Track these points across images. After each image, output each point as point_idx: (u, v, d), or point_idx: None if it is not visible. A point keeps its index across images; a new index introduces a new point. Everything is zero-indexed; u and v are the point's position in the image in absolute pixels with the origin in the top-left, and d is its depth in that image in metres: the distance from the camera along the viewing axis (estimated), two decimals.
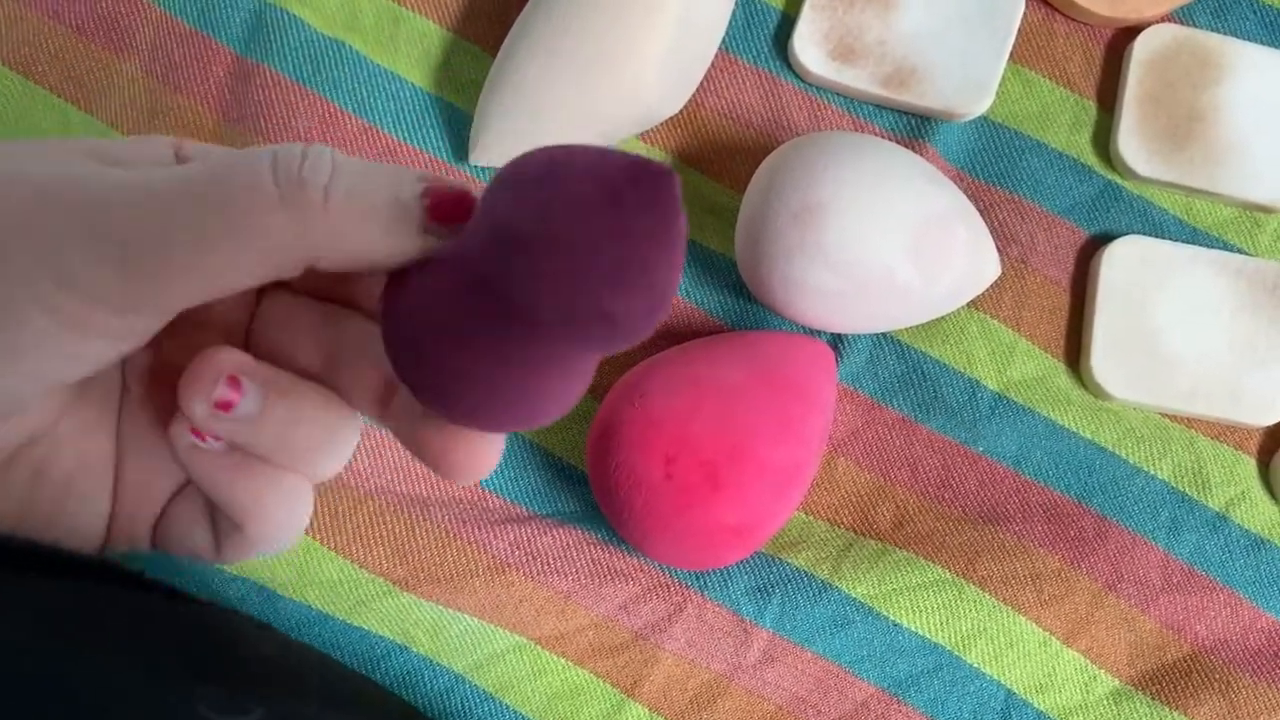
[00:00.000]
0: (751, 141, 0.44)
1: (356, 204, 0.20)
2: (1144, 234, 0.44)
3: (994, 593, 0.41)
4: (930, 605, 0.40)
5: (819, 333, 0.43)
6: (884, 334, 0.43)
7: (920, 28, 0.44)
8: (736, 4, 0.45)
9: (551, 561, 0.40)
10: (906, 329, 0.43)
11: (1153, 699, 0.41)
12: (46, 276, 0.19)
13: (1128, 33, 0.46)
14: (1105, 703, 0.41)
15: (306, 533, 0.39)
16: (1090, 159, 0.45)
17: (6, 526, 0.23)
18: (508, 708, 0.40)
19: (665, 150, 0.44)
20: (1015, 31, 0.44)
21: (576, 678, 0.40)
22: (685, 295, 0.43)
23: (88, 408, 0.24)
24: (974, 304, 0.43)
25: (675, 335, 0.43)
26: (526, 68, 0.41)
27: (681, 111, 0.44)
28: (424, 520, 0.40)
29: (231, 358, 0.22)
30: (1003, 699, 0.40)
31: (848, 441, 0.43)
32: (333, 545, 0.39)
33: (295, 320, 0.24)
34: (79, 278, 0.19)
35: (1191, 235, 0.45)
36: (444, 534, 0.40)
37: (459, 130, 0.44)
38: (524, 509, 0.42)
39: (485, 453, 0.22)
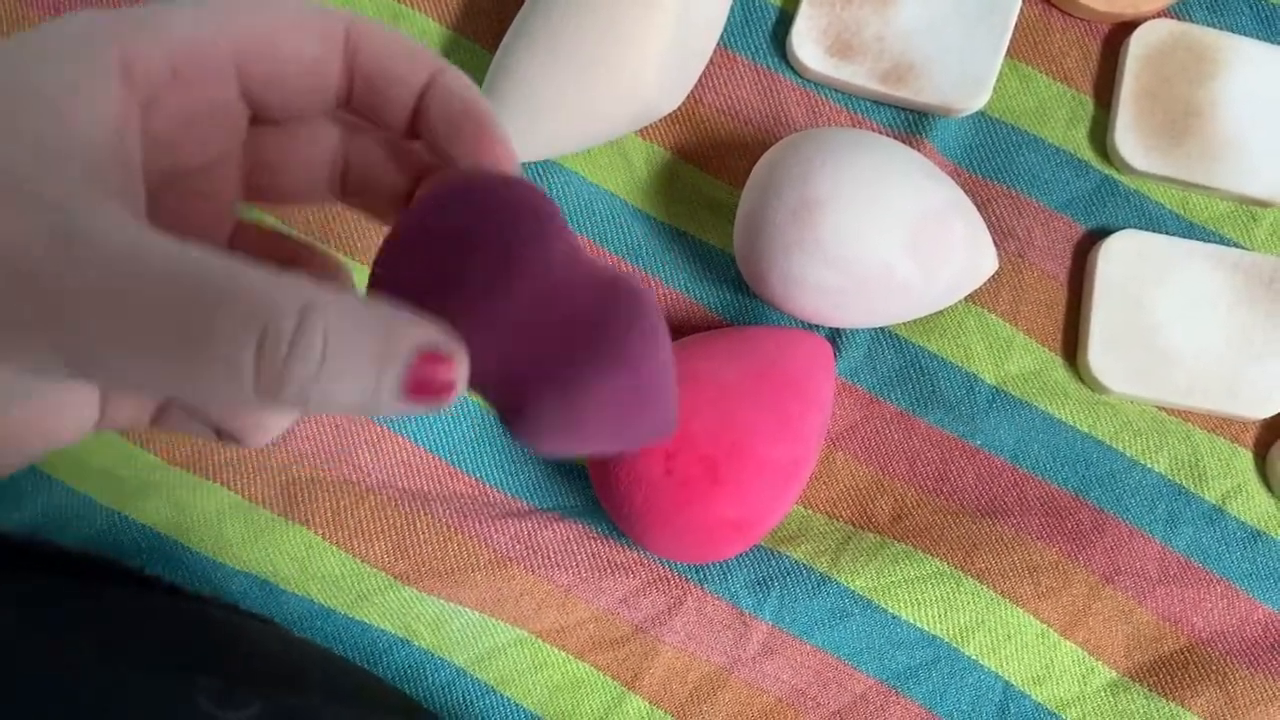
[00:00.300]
0: (750, 137, 0.45)
1: (334, 390, 0.18)
2: (1141, 228, 0.44)
3: (992, 585, 0.41)
4: (929, 598, 0.41)
5: (817, 328, 0.43)
6: (882, 329, 0.43)
7: (918, 23, 0.44)
8: (735, 0, 0.45)
9: (552, 555, 0.40)
10: (904, 324, 0.43)
11: (1150, 690, 0.41)
12: None
13: (1124, 28, 0.46)
14: (1103, 694, 0.41)
15: (308, 527, 0.40)
16: (1087, 154, 0.45)
17: None
18: (509, 701, 0.40)
19: (663, 146, 0.44)
20: (1012, 27, 0.44)
21: (577, 671, 0.40)
22: (684, 291, 0.44)
23: None
24: (972, 298, 0.44)
25: (674, 331, 0.43)
26: (525, 65, 0.41)
27: (680, 108, 0.44)
28: (425, 514, 0.40)
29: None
30: (1001, 690, 0.41)
31: (846, 435, 0.43)
32: (334, 540, 0.40)
33: (309, 151, 0.24)
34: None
35: (1188, 230, 0.45)
36: (445, 528, 0.40)
37: None
38: (525, 503, 0.42)
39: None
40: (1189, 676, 0.41)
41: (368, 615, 0.40)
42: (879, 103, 0.45)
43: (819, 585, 0.41)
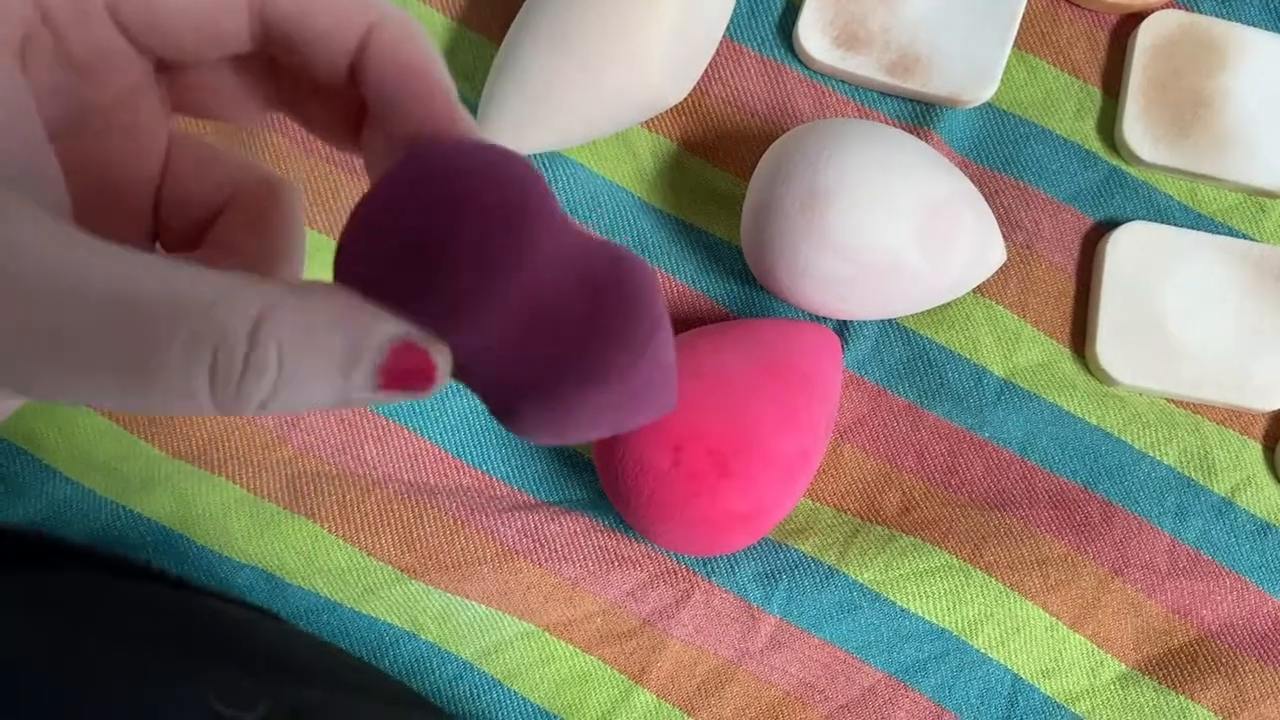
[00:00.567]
0: (756, 129, 0.44)
1: (299, 398, 0.17)
2: (1149, 220, 0.44)
3: (1000, 578, 0.41)
4: (937, 590, 0.41)
5: (825, 320, 0.43)
6: (890, 320, 0.43)
7: (925, 14, 0.44)
8: None
9: (559, 548, 0.40)
10: (912, 315, 0.43)
11: (1159, 683, 0.41)
12: None
13: (1133, 19, 0.46)
14: (1112, 687, 0.41)
15: (314, 521, 0.40)
16: (1095, 145, 0.45)
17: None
18: (516, 695, 0.40)
19: (670, 138, 0.44)
20: (1020, 18, 0.44)
21: (584, 664, 0.40)
22: (691, 283, 0.43)
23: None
24: (979, 290, 0.43)
25: (681, 323, 0.43)
26: (531, 56, 0.41)
27: (686, 99, 0.44)
28: (432, 508, 0.40)
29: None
30: (1009, 683, 0.41)
31: (854, 428, 0.43)
32: (341, 533, 0.40)
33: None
34: None
35: (1196, 221, 0.45)
36: (452, 521, 0.40)
37: None
38: (531, 496, 0.42)
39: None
40: (1198, 669, 0.41)
41: (374, 609, 0.40)
42: (886, 94, 0.45)
43: (827, 578, 0.40)
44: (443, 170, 0.18)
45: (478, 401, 0.42)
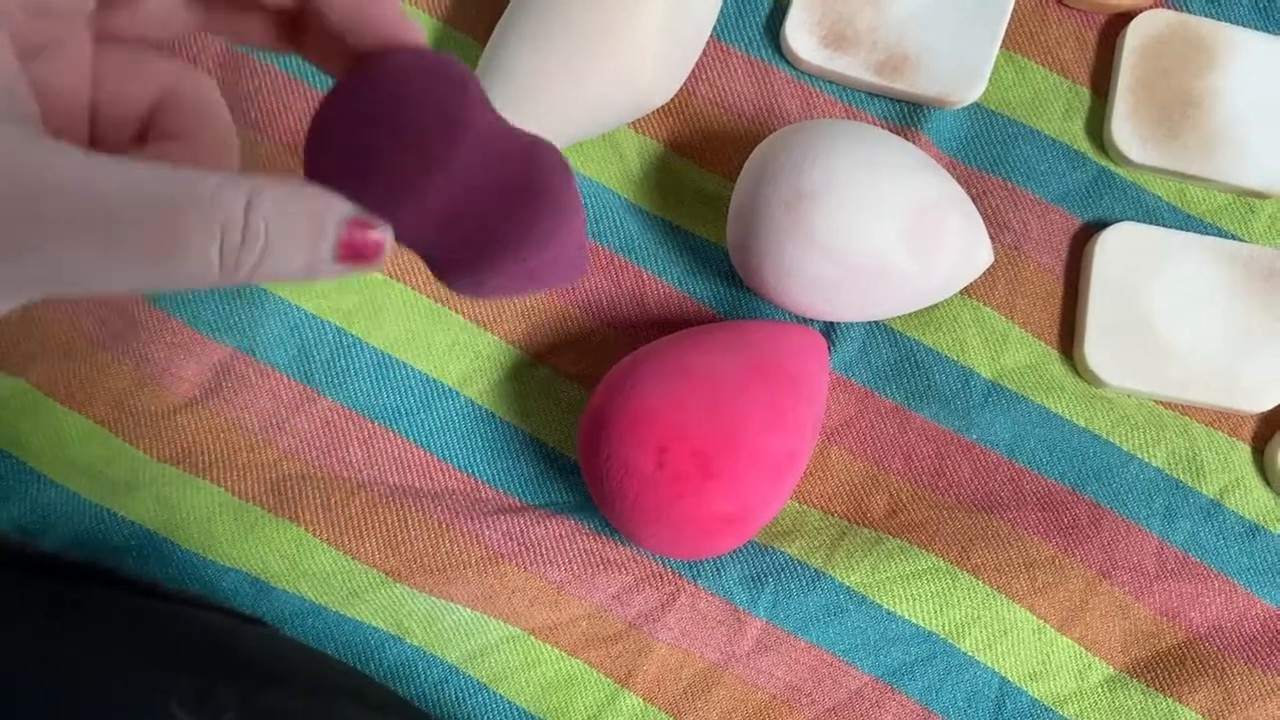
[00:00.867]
0: (744, 130, 0.44)
1: (276, 268, 0.21)
2: (1138, 221, 0.44)
3: (988, 580, 0.41)
4: (924, 593, 0.40)
5: (812, 321, 0.43)
6: (877, 322, 0.43)
7: (913, 14, 0.44)
8: None
9: (544, 552, 0.40)
10: (899, 317, 0.43)
11: (1147, 686, 0.41)
12: None
13: (1121, 18, 0.45)
14: (1100, 690, 0.41)
15: (298, 524, 0.39)
16: (1084, 145, 0.45)
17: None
18: (501, 699, 0.40)
19: (656, 139, 0.44)
20: (1008, 18, 0.44)
21: (570, 668, 0.40)
22: (677, 284, 0.43)
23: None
24: (967, 291, 0.43)
25: (667, 325, 0.43)
26: (517, 57, 0.41)
27: (673, 100, 0.44)
28: (416, 511, 0.40)
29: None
30: (997, 687, 0.40)
31: (841, 430, 0.43)
32: (325, 537, 0.39)
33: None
34: None
35: (1185, 222, 0.44)
36: (437, 525, 0.40)
37: None
38: (517, 500, 0.42)
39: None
40: (1186, 672, 0.41)
41: (359, 613, 0.39)
42: (873, 94, 0.45)
43: (813, 581, 0.40)
44: (389, 78, 0.22)
45: (462, 405, 0.42)
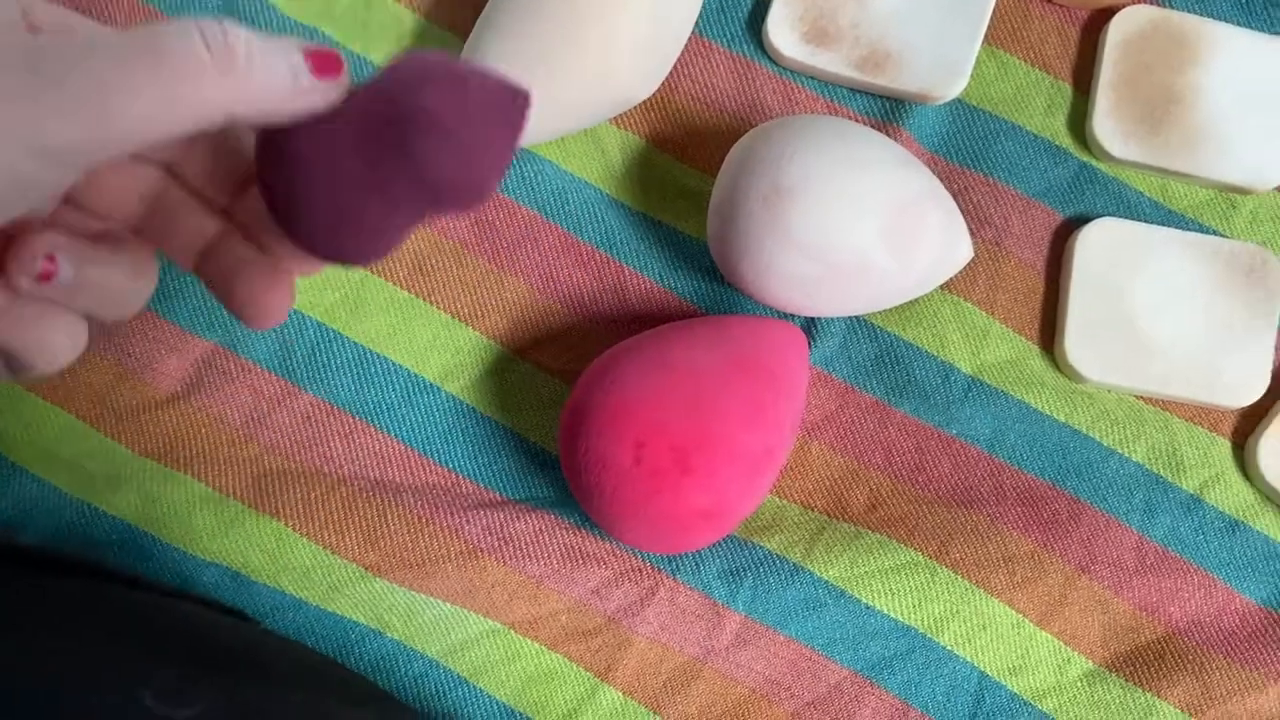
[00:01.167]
0: (725, 125, 0.44)
1: (268, 68, 0.24)
2: (1119, 216, 0.44)
3: (967, 575, 0.41)
4: (903, 588, 0.40)
5: (793, 316, 0.43)
6: (858, 317, 0.43)
7: (895, 10, 0.44)
8: None
9: (524, 546, 0.40)
10: (880, 312, 0.43)
11: (1126, 681, 0.41)
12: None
13: (1103, 14, 0.45)
14: (1079, 684, 0.41)
15: (278, 518, 0.39)
16: (1065, 141, 0.45)
17: None
18: (482, 692, 0.40)
19: (638, 135, 0.44)
20: (990, 13, 0.44)
21: (550, 662, 0.40)
22: (658, 279, 0.43)
23: None
24: (948, 287, 0.43)
25: (647, 319, 0.43)
26: (497, 52, 0.41)
27: (655, 95, 0.44)
28: (396, 506, 0.40)
29: (53, 238, 0.25)
30: (976, 681, 0.41)
31: (821, 425, 0.43)
32: (305, 531, 0.40)
33: (127, 182, 0.28)
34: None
35: (1167, 217, 0.44)
36: (416, 520, 0.40)
37: None
38: (496, 494, 0.42)
39: (286, 298, 0.28)
40: (1165, 667, 0.41)
41: (339, 607, 0.39)
42: (855, 90, 0.45)
43: (792, 575, 0.40)
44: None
45: (444, 400, 0.42)
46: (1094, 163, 0.45)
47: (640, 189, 0.44)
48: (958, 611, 0.41)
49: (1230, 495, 0.43)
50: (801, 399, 0.40)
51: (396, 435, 0.42)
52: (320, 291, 0.42)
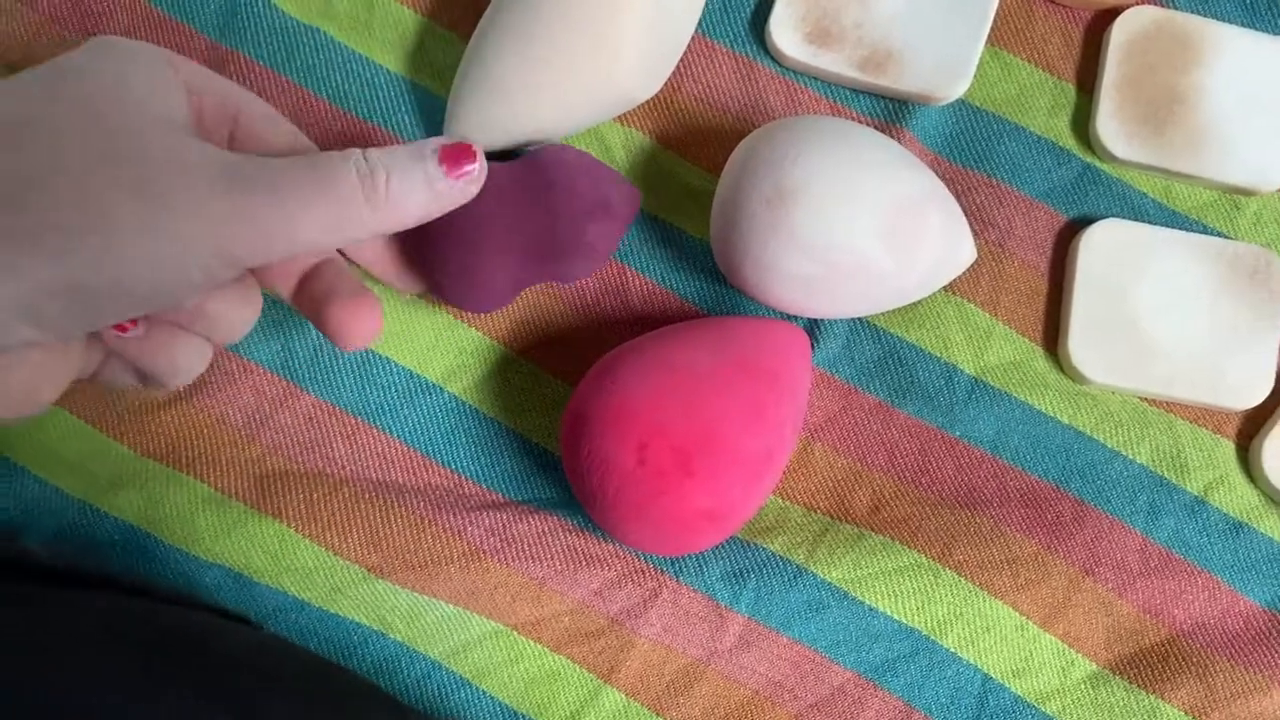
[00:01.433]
0: (728, 125, 0.44)
1: (404, 194, 0.29)
2: (1123, 217, 0.44)
3: (970, 577, 0.41)
4: (906, 589, 0.40)
5: (795, 318, 0.43)
6: (861, 318, 0.43)
7: (897, 10, 0.44)
8: None
9: (527, 548, 0.40)
10: (883, 314, 0.43)
11: (1130, 683, 0.41)
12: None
13: (1107, 15, 0.45)
14: (1082, 686, 0.41)
15: (281, 520, 0.39)
16: (1069, 142, 0.45)
17: None
18: (484, 694, 0.40)
19: (642, 133, 0.44)
20: (993, 14, 0.44)
21: (553, 663, 0.40)
22: (660, 280, 0.43)
23: None
24: (951, 288, 0.43)
25: (650, 321, 0.43)
26: (501, 52, 0.41)
27: (658, 95, 0.44)
28: (399, 507, 0.40)
29: None
30: (979, 683, 0.40)
31: (824, 427, 0.42)
32: (307, 532, 0.39)
33: None
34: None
35: (1171, 218, 0.44)
36: (419, 521, 0.40)
37: (433, 115, 0.44)
38: (499, 495, 0.42)
39: (377, 322, 0.33)
40: (1169, 669, 0.41)
41: (342, 608, 0.39)
42: (858, 91, 0.45)
43: (795, 577, 0.40)
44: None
45: (445, 400, 0.42)
46: (1097, 164, 0.45)
47: (643, 188, 0.44)
48: (961, 613, 0.40)
49: (1234, 497, 0.42)
50: (804, 400, 0.40)
51: (399, 436, 0.42)
52: None
